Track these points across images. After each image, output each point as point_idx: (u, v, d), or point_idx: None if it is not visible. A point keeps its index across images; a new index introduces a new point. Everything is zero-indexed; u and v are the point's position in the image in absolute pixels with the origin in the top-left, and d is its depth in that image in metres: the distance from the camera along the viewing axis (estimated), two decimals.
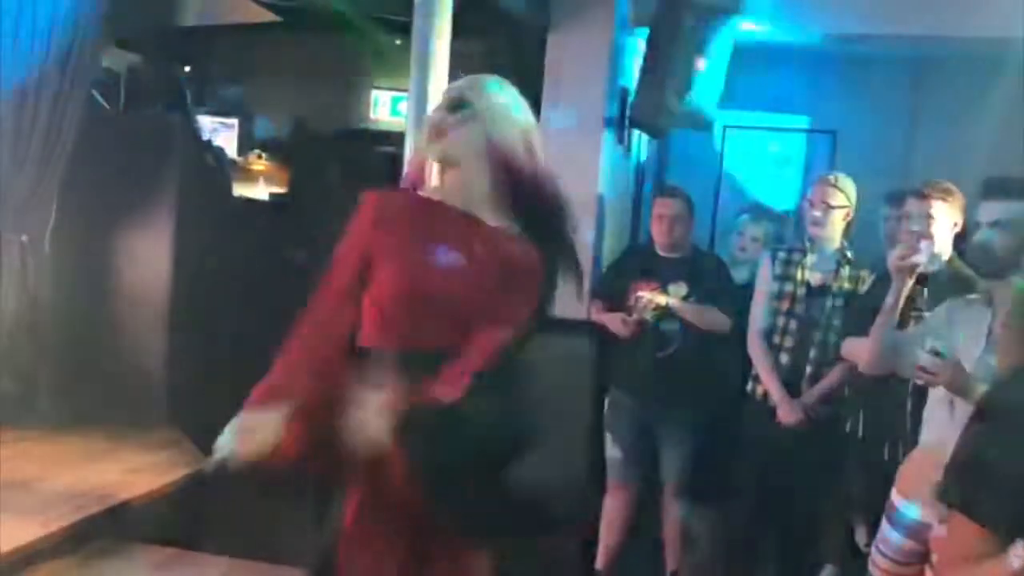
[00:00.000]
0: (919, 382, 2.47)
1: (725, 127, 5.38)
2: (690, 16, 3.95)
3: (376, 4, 3.98)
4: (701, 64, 3.99)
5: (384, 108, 6.22)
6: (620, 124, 4.40)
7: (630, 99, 4.33)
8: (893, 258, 2.67)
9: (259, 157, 6.22)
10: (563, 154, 4.23)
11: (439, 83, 2.40)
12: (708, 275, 3.82)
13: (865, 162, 4.38)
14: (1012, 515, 1.05)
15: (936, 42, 4.37)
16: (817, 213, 3.51)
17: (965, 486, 1.09)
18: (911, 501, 2.44)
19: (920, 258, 2.63)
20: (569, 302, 4.24)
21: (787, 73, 4.95)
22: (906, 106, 4.93)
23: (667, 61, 3.99)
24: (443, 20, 2.38)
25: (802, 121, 5.31)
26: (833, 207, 3.50)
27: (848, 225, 3.55)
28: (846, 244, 3.54)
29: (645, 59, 4.20)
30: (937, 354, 2.33)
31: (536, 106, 4.30)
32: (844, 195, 3.52)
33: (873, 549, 2.59)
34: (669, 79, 3.99)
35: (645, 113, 4.18)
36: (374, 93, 6.20)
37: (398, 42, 5.37)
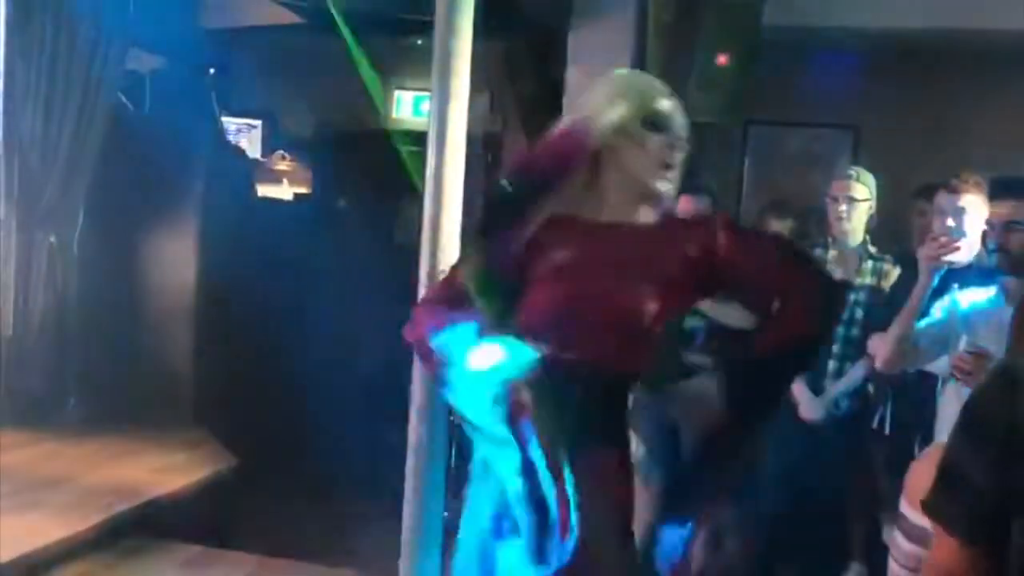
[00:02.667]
0: (955, 379, 2.45)
1: (747, 122, 5.35)
2: (711, 11, 3.93)
3: (398, 4, 3.99)
4: (723, 59, 3.97)
5: (407, 108, 6.24)
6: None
7: None
8: (925, 254, 2.62)
9: (283, 158, 6.26)
10: None
11: (461, 83, 2.40)
12: None
13: (887, 157, 4.35)
14: (990, 529, 1.02)
15: (958, 36, 4.33)
16: (842, 208, 3.48)
17: (942, 497, 1.07)
18: (917, 509, 2.41)
19: (959, 257, 2.58)
20: None
21: (809, 68, 4.92)
22: (927, 101, 4.89)
23: (688, 57, 3.98)
24: (465, 20, 2.38)
25: (824, 116, 5.27)
26: (857, 200, 3.48)
27: (870, 219, 3.53)
28: (868, 239, 3.52)
29: (667, 55, 4.19)
30: (975, 352, 2.30)
31: (557, 105, 4.33)
32: (867, 189, 3.51)
33: (889, 555, 2.57)
34: (691, 75, 3.98)
35: None
36: (396, 93, 6.22)
37: (420, 42, 5.39)
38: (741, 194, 5.49)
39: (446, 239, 2.45)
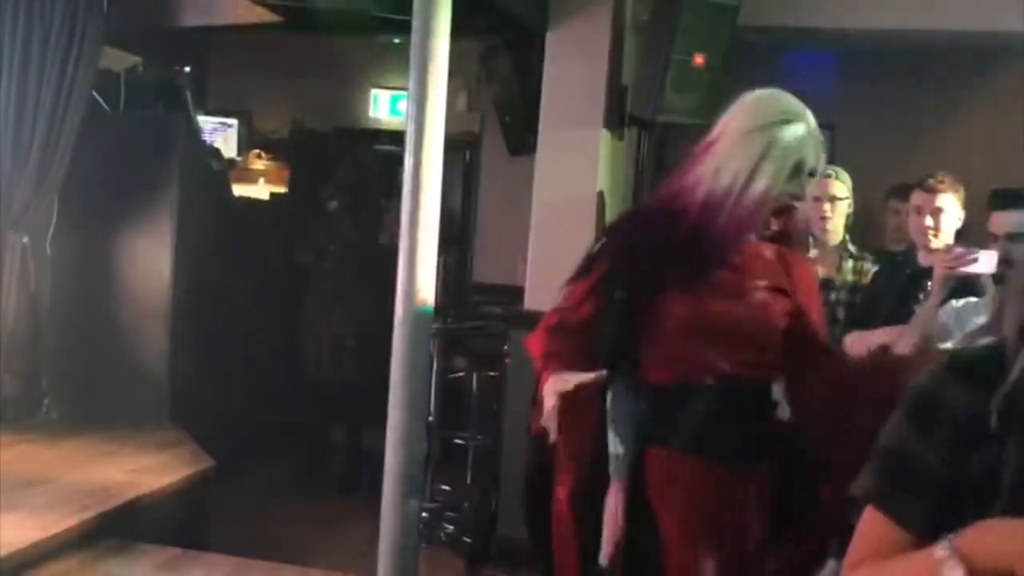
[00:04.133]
0: None
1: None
2: (688, 11, 3.95)
3: (375, 3, 3.98)
4: (700, 60, 4.00)
5: (384, 107, 6.22)
6: (619, 120, 4.40)
7: (629, 95, 4.34)
8: (941, 263, 2.57)
9: (259, 157, 6.23)
10: (563, 151, 4.27)
11: (438, 82, 2.40)
12: None
13: (862, 157, 4.39)
14: (924, 509, 1.03)
15: (935, 36, 4.38)
16: (825, 207, 3.51)
17: (891, 489, 1.06)
18: None
19: (980, 268, 2.53)
20: None
21: (785, 68, 4.95)
22: (904, 100, 4.94)
23: (665, 57, 4.00)
24: (442, 19, 2.38)
25: None
26: (838, 199, 3.52)
27: (848, 218, 3.56)
28: (848, 237, 3.55)
29: (644, 54, 4.21)
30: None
31: (536, 104, 4.34)
32: (845, 187, 3.54)
33: None
34: (667, 75, 3.99)
35: (643, 109, 4.19)
36: (373, 92, 6.21)
37: (397, 41, 5.38)
38: None
39: (424, 238, 2.45)
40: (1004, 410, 1.00)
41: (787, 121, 1.93)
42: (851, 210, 3.56)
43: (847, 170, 3.62)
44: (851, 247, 3.54)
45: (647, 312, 1.91)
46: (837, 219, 3.51)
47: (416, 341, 2.49)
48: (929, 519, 1.03)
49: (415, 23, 2.37)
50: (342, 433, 5.37)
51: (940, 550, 0.96)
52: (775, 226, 1.95)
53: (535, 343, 2.05)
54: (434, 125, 2.41)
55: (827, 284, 3.50)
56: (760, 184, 1.90)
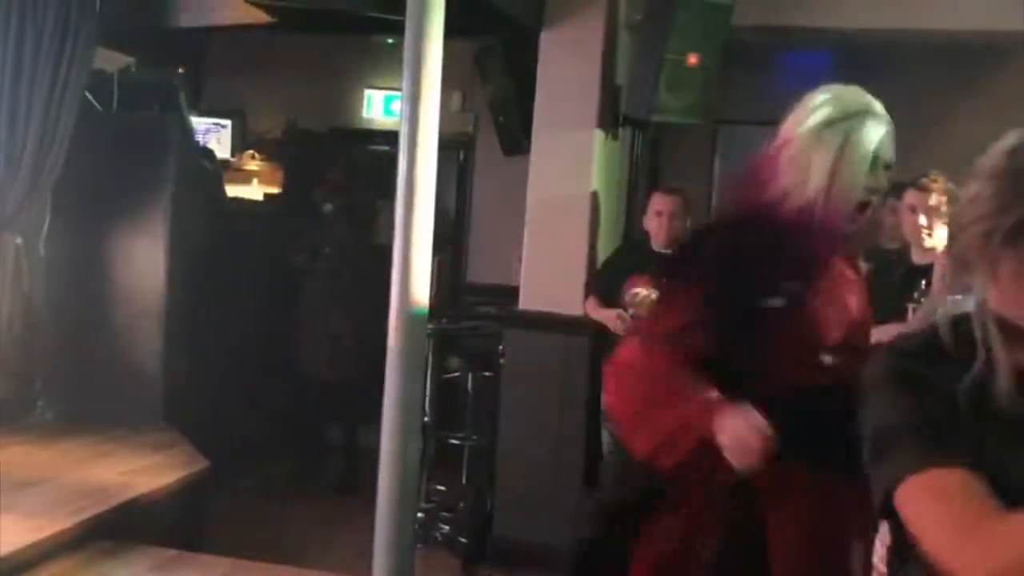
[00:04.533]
0: None
1: (717, 122, 5.39)
2: (682, 11, 3.96)
3: (368, 3, 3.98)
4: (693, 60, 4.00)
5: (377, 107, 6.22)
6: (613, 120, 4.41)
7: (623, 95, 4.35)
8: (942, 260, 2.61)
9: (253, 157, 6.22)
10: (557, 151, 4.27)
11: (432, 82, 2.40)
12: None
13: None
14: (970, 444, 1.04)
15: (929, 35, 4.39)
16: None
17: (916, 445, 1.07)
18: None
19: None
20: (565, 299, 4.29)
21: (779, 68, 4.96)
22: (897, 100, 4.94)
23: (659, 56, 4.00)
24: (436, 19, 2.37)
25: None
26: None
27: None
28: None
29: (638, 54, 4.21)
30: None
31: (530, 104, 4.35)
32: None
33: None
34: (661, 74, 4.00)
35: (637, 109, 4.19)
36: (367, 92, 6.20)
37: (390, 41, 5.38)
38: (711, 193, 5.53)
39: (418, 239, 2.45)
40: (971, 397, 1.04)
41: (857, 114, 1.90)
42: None
43: None
44: None
45: (758, 326, 1.86)
46: None
47: (411, 342, 2.48)
48: (978, 451, 1.03)
49: (408, 23, 2.37)
50: (338, 433, 5.37)
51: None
52: (856, 223, 1.91)
53: (644, 359, 1.92)
54: (428, 125, 2.41)
55: None
56: (843, 182, 1.87)
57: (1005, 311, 1.08)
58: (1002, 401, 1.05)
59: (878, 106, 1.95)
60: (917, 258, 2.97)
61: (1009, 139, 1.15)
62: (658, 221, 3.89)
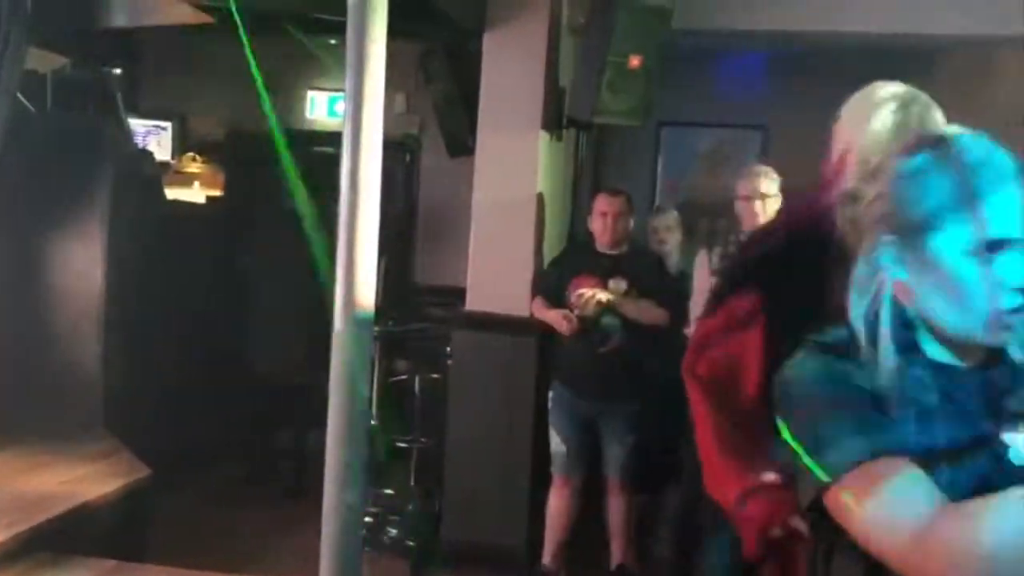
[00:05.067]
0: None
1: (660, 123, 5.45)
2: (623, 14, 4.00)
3: (310, 4, 3.95)
4: (635, 61, 4.04)
5: (321, 109, 6.17)
6: (557, 122, 4.44)
7: (566, 97, 4.37)
8: None
9: (194, 160, 6.13)
10: (502, 153, 4.28)
11: (375, 85, 2.38)
12: (647, 270, 3.89)
13: (795, 156, 4.48)
14: (909, 432, 1.07)
15: (865, 38, 4.49)
16: (756, 204, 3.60)
17: (853, 439, 1.09)
18: None
19: None
20: (512, 300, 4.30)
21: (720, 69, 5.04)
22: (837, 101, 5.05)
23: (601, 59, 4.04)
24: (378, 20, 2.36)
25: (735, 117, 5.40)
26: (769, 197, 3.61)
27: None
28: None
29: (581, 56, 4.24)
30: None
31: (474, 106, 4.35)
32: (775, 184, 3.65)
33: None
34: (604, 76, 4.03)
35: (581, 110, 4.22)
36: (310, 93, 6.15)
37: (333, 42, 5.34)
38: (655, 194, 5.60)
39: (363, 244, 2.43)
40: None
41: (904, 105, 1.84)
42: (779, 207, 3.65)
43: (780, 171, 3.71)
44: None
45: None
46: (765, 216, 3.60)
47: (356, 345, 2.47)
48: (905, 439, 1.06)
49: (350, 23, 2.35)
50: (289, 437, 5.32)
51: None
52: None
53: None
54: (372, 127, 2.39)
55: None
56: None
57: (914, 308, 1.12)
58: (914, 401, 1.09)
59: (921, 95, 1.87)
60: None
61: (915, 138, 1.18)
62: (603, 222, 3.92)
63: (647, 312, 3.79)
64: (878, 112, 1.84)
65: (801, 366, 1.15)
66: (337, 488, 2.42)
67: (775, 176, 3.67)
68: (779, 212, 3.29)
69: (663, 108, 4.62)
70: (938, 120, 1.79)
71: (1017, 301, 1.06)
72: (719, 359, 1.82)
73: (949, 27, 4.16)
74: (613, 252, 3.92)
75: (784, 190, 3.64)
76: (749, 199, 3.63)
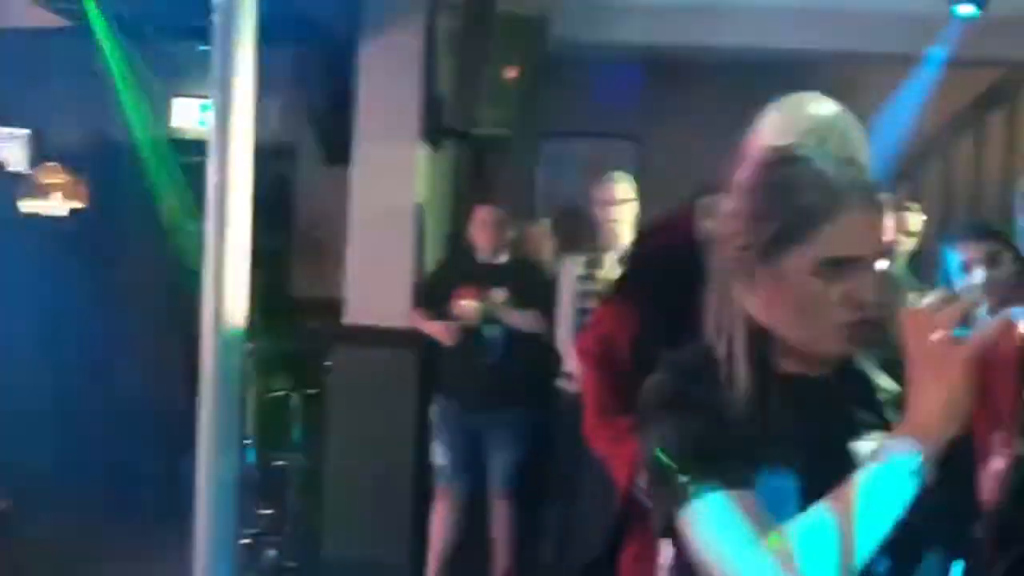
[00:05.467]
0: None
1: (540, 134, 5.49)
2: (498, 25, 4.01)
3: (175, 8, 3.80)
4: (512, 73, 4.06)
5: (188, 116, 5.95)
6: (436, 132, 4.41)
7: (445, 108, 4.35)
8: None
9: (52, 170, 5.81)
10: (380, 163, 4.22)
11: (243, 91, 2.30)
12: (527, 279, 3.91)
13: (668, 166, 4.60)
14: (744, 464, 1.07)
15: (732, 52, 4.63)
16: (614, 210, 3.68)
17: (696, 469, 1.09)
18: None
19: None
20: (392, 312, 4.24)
21: (597, 81, 5.11)
22: (708, 112, 5.19)
23: (478, 70, 4.04)
24: (246, 24, 2.28)
25: (612, 127, 5.49)
26: (627, 202, 3.70)
27: (635, 219, 3.74)
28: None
29: (457, 67, 4.23)
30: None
31: (351, 114, 4.27)
32: (631, 190, 3.74)
33: None
34: (480, 87, 4.04)
35: (459, 122, 4.21)
36: (176, 101, 5.92)
37: (202, 48, 5.15)
38: (534, 205, 5.63)
39: (232, 257, 2.34)
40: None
41: (827, 126, 1.73)
42: (637, 212, 3.73)
43: (656, 179, 3.79)
44: None
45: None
46: (625, 222, 3.68)
47: (225, 366, 2.38)
48: (754, 466, 1.06)
49: (217, 28, 2.26)
50: (160, 460, 5.09)
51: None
52: None
53: None
54: (241, 136, 2.31)
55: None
56: None
57: (765, 322, 1.13)
58: (768, 412, 1.10)
59: (846, 115, 1.76)
60: None
61: (767, 153, 1.20)
62: (483, 231, 3.93)
63: (528, 320, 3.80)
64: (780, 129, 1.77)
65: (656, 387, 1.16)
66: (209, 511, 2.32)
67: (630, 182, 3.76)
68: (660, 222, 3.35)
69: (544, 119, 4.66)
70: (856, 145, 1.71)
71: (861, 314, 1.08)
72: (604, 336, 1.93)
73: (815, 43, 4.33)
74: (494, 261, 3.93)
75: (660, 200, 3.72)
76: (607, 204, 3.72)
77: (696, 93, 5.20)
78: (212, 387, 2.38)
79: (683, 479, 1.07)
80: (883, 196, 1.13)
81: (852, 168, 1.14)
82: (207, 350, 2.37)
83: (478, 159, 5.42)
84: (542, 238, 4.45)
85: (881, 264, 1.09)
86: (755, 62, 4.76)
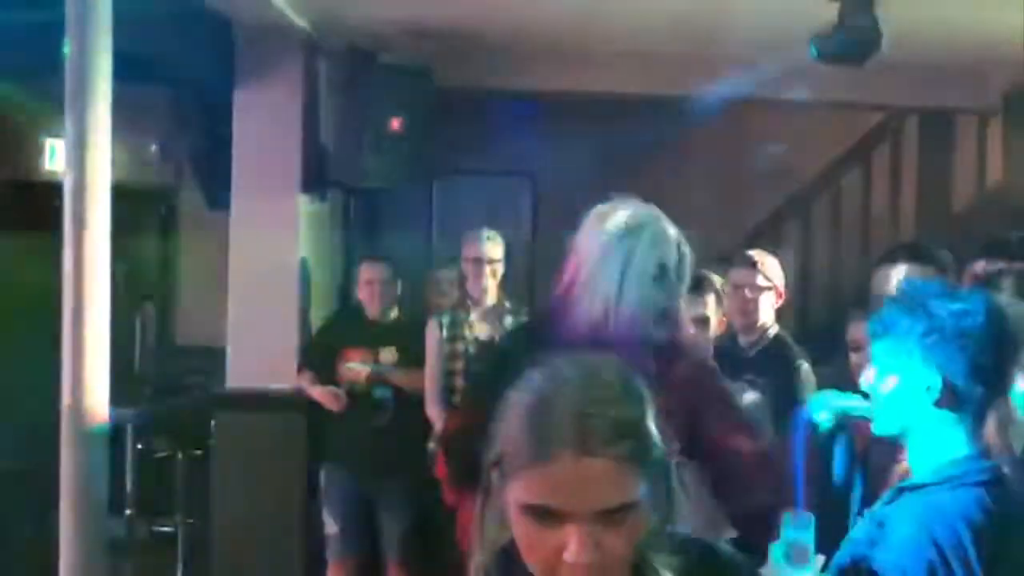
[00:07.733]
0: None
1: (433, 178, 5.37)
2: (381, 77, 3.93)
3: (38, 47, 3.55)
4: (396, 124, 3.99)
5: (61, 158, 5.60)
6: (320, 184, 4.23)
7: (330, 160, 4.18)
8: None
9: None
10: (260, 215, 4.00)
11: (100, 130, 2.15)
12: (417, 338, 3.72)
13: (562, 201, 4.52)
14: None
15: (614, 96, 4.66)
16: (483, 269, 3.63)
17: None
18: None
19: None
20: (277, 372, 4.04)
21: (489, 125, 5.04)
22: (593, 148, 5.19)
23: (362, 123, 3.95)
24: (101, 61, 2.14)
25: (505, 164, 5.44)
26: (496, 261, 3.64)
27: (503, 278, 3.69)
28: (504, 295, 3.68)
29: (341, 120, 4.07)
30: None
31: (230, 159, 4.05)
32: (501, 248, 3.66)
33: None
34: (365, 138, 3.93)
35: (345, 174, 4.10)
36: (50, 141, 5.58)
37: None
38: (431, 250, 5.48)
39: (90, 299, 2.17)
40: None
41: (640, 228, 1.88)
42: (504, 271, 3.68)
43: (551, 219, 3.72)
44: (508, 304, 3.66)
45: None
46: (493, 280, 3.64)
47: (86, 431, 2.20)
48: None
49: (69, 66, 2.10)
50: (29, 523, 4.73)
51: None
52: (665, 327, 1.89)
53: None
54: (97, 175, 2.15)
55: (492, 343, 3.50)
56: (631, 298, 1.85)
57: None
58: None
59: (662, 221, 1.91)
60: (744, 339, 2.93)
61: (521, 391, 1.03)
62: (369, 290, 3.80)
63: (420, 381, 3.64)
64: (600, 229, 1.90)
65: None
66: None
67: (500, 241, 3.69)
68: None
69: (436, 163, 4.56)
70: (656, 249, 1.87)
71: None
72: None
73: (697, 87, 4.35)
74: (382, 320, 3.81)
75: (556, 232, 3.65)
76: (476, 263, 3.64)
77: (584, 131, 5.20)
78: (73, 461, 2.21)
79: None
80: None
81: (598, 402, 0.97)
82: (66, 418, 2.20)
83: (370, 208, 5.27)
84: (449, 288, 4.25)
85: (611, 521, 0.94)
86: (636, 103, 4.80)
